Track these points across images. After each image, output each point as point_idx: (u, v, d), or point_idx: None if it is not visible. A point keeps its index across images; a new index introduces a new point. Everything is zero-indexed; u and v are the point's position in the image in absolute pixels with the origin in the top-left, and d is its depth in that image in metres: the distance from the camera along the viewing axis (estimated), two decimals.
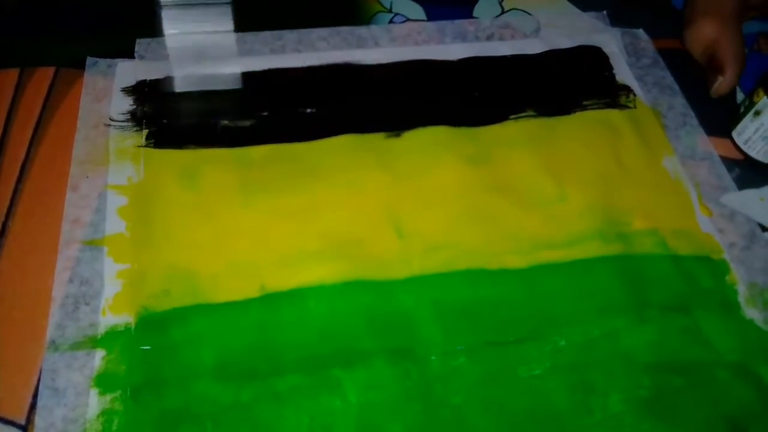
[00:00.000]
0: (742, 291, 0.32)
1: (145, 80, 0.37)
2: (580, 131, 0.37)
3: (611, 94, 0.39)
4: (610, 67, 0.41)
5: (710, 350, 0.30)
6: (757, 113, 0.36)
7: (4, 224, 0.31)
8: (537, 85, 0.39)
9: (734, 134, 0.38)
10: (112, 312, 0.29)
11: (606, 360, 0.29)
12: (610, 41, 0.42)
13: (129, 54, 0.38)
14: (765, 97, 0.35)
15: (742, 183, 0.36)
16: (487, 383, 0.28)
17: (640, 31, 0.43)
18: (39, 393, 0.27)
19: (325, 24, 0.41)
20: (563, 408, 0.28)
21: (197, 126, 0.35)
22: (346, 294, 0.30)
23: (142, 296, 0.29)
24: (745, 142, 0.37)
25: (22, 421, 0.26)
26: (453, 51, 0.40)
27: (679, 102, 0.40)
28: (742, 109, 0.37)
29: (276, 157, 0.34)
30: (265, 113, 0.36)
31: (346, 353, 0.28)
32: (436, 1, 0.44)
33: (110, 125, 0.34)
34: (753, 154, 0.37)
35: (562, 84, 0.39)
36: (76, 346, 0.28)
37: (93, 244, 0.30)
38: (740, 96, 0.41)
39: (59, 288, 0.29)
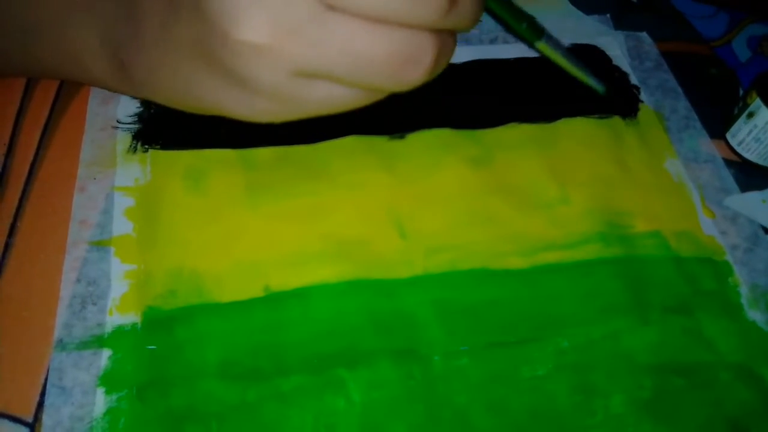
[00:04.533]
0: (744, 293, 0.32)
1: None
2: (583, 134, 0.37)
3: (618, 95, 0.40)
4: (617, 69, 0.41)
5: (712, 351, 0.30)
6: (751, 115, 0.36)
7: (13, 225, 0.31)
8: (541, 88, 0.39)
9: (728, 136, 0.38)
10: (119, 312, 0.29)
11: (608, 361, 0.29)
12: (614, 44, 0.42)
13: None
14: (758, 98, 0.35)
15: (745, 185, 0.36)
16: (489, 383, 0.28)
17: (644, 34, 0.43)
18: (46, 391, 0.27)
19: None
20: (565, 408, 0.28)
21: (203, 127, 0.35)
22: (349, 294, 0.30)
23: (148, 296, 0.29)
24: (739, 144, 0.37)
25: (30, 419, 0.27)
26: (457, 54, 0.40)
27: (682, 105, 0.40)
28: (735, 111, 0.38)
29: (281, 159, 0.34)
30: None
31: (350, 353, 0.29)
32: None
33: (117, 127, 0.35)
34: (747, 155, 0.37)
35: (565, 87, 0.39)
36: (83, 345, 0.28)
37: (100, 245, 0.31)
38: None
39: (67, 288, 0.29)
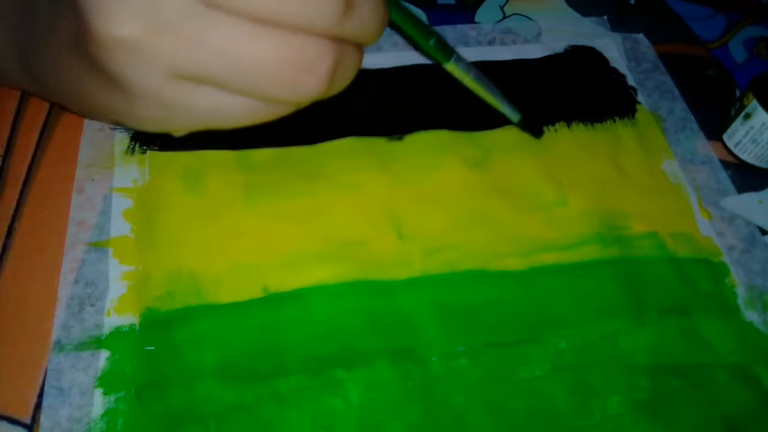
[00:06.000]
0: (741, 293, 0.32)
1: None
2: (580, 135, 0.37)
3: (617, 98, 0.40)
4: (615, 71, 0.41)
5: (709, 352, 0.30)
6: (747, 116, 0.36)
7: (11, 226, 0.31)
8: (538, 90, 0.39)
9: (725, 137, 0.38)
10: (117, 313, 0.29)
11: (605, 362, 0.29)
12: (611, 46, 0.42)
13: None
14: (755, 100, 0.35)
15: (741, 186, 0.37)
16: (487, 384, 0.28)
17: (641, 36, 0.43)
18: (44, 393, 0.27)
19: None
20: (563, 409, 0.28)
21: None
22: (347, 295, 0.30)
23: (146, 297, 0.29)
24: (736, 145, 0.37)
25: (28, 421, 0.27)
26: None
27: (679, 106, 0.40)
28: (732, 113, 0.38)
29: (279, 160, 0.34)
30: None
31: (347, 354, 0.29)
32: (438, 6, 0.44)
33: (115, 129, 0.35)
34: (744, 157, 0.37)
35: (564, 89, 0.40)
36: (81, 346, 0.28)
37: (98, 246, 0.31)
38: None
39: (65, 289, 0.29)
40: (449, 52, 0.31)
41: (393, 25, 0.28)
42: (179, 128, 0.25)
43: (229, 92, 0.23)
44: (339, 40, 0.23)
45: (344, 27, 0.22)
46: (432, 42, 0.30)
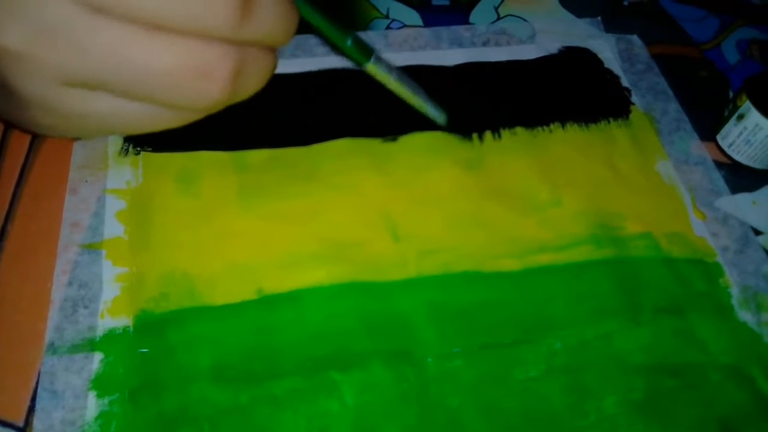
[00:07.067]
0: (735, 294, 0.32)
1: None
2: (574, 136, 0.37)
3: (610, 99, 0.40)
4: (609, 72, 0.41)
5: (704, 352, 0.30)
6: (741, 117, 0.36)
7: (4, 228, 0.31)
8: (533, 91, 0.39)
9: (719, 138, 0.38)
10: (111, 315, 0.29)
11: (600, 362, 0.29)
12: (605, 47, 0.42)
13: None
14: (748, 101, 0.36)
15: (735, 187, 0.37)
16: (482, 385, 0.28)
17: (635, 37, 0.44)
18: (37, 395, 0.27)
19: None
20: (558, 410, 0.28)
21: (195, 130, 0.35)
22: (342, 296, 0.30)
23: (140, 299, 0.29)
24: (729, 146, 0.37)
25: (21, 424, 0.26)
26: (449, 57, 0.41)
27: (673, 107, 0.40)
28: (726, 113, 0.38)
29: (273, 161, 0.34)
30: (263, 117, 0.36)
31: (343, 355, 0.29)
32: (432, 7, 0.44)
33: None
34: (737, 157, 0.37)
35: (558, 90, 0.40)
36: (74, 348, 0.28)
37: (92, 248, 0.31)
38: None
39: (58, 291, 0.29)
40: (368, 52, 0.29)
41: (309, 25, 0.27)
42: (83, 134, 0.25)
43: (126, 98, 0.22)
44: (241, 44, 0.22)
45: (243, 31, 0.22)
46: (349, 42, 0.28)
